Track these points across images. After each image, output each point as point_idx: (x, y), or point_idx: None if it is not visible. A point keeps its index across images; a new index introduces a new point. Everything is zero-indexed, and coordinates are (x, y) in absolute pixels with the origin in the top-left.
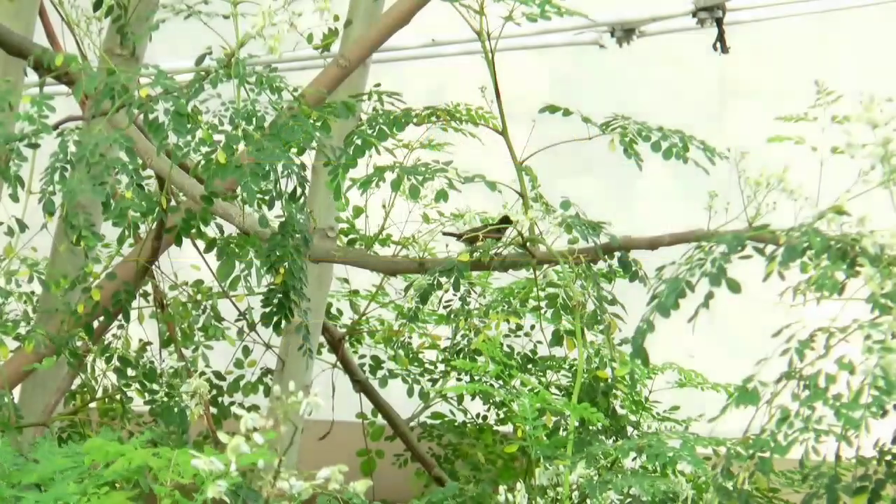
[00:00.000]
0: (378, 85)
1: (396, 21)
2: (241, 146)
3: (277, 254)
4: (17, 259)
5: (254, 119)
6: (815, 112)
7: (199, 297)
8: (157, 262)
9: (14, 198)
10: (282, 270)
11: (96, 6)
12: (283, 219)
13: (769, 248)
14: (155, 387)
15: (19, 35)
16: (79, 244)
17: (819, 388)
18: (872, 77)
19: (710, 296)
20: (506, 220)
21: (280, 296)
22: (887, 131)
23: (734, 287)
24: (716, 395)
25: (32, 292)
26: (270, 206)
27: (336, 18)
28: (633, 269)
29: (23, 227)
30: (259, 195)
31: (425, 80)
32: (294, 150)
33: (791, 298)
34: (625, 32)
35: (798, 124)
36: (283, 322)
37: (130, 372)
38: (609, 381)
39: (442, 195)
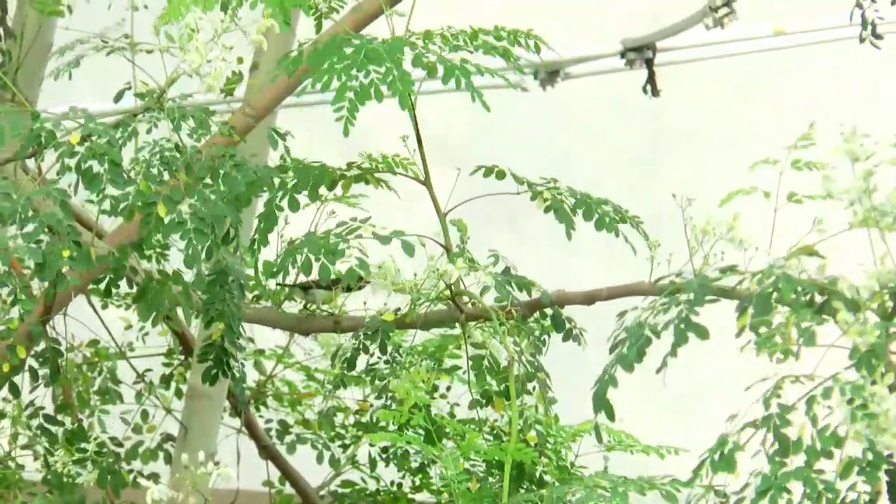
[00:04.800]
0: (287, 133)
1: (304, 72)
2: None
3: (217, 308)
4: None
5: (194, 168)
6: (774, 155)
7: (95, 358)
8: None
9: None
10: (221, 325)
11: None
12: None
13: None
14: (46, 453)
15: None
16: (14, 306)
17: (788, 443)
18: (811, 119)
19: (678, 343)
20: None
21: (217, 350)
22: (867, 165)
23: (702, 334)
24: (646, 457)
25: None
26: (209, 257)
27: (240, 61)
28: (567, 326)
29: None
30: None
31: (335, 127)
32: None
33: (752, 351)
34: (548, 74)
35: (745, 170)
36: (220, 377)
37: (23, 440)
38: (536, 445)
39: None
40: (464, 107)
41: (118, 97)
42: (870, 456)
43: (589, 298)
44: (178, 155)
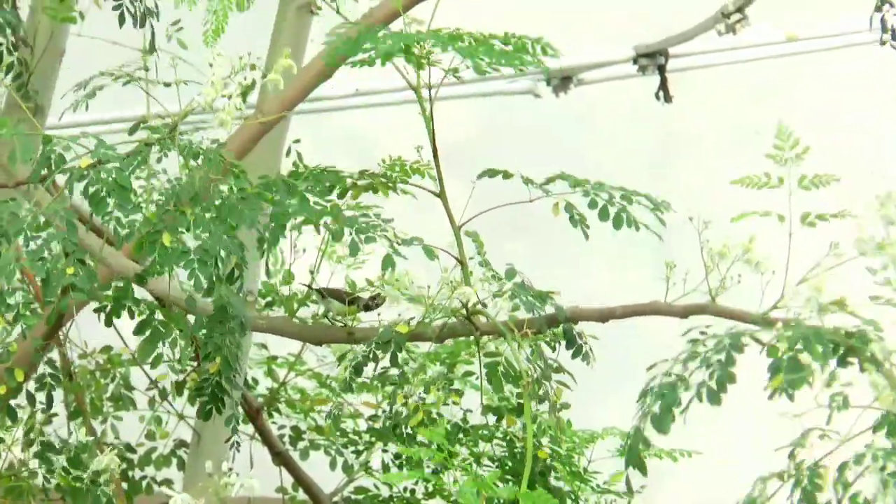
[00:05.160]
0: (298, 140)
1: (319, 74)
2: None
3: (216, 343)
4: None
5: (199, 200)
6: (779, 172)
7: (108, 365)
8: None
9: None
10: (218, 360)
11: None
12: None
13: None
14: (59, 460)
15: None
16: (16, 322)
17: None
18: (824, 126)
19: (700, 397)
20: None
21: (213, 385)
22: None
23: (731, 378)
24: (659, 461)
25: None
26: (209, 293)
27: (253, 67)
28: (578, 343)
29: None
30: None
31: (350, 131)
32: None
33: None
34: (561, 81)
35: (756, 178)
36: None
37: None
38: (547, 460)
39: (389, 262)
40: (475, 113)
41: (133, 130)
42: None
43: (603, 316)
44: (185, 186)
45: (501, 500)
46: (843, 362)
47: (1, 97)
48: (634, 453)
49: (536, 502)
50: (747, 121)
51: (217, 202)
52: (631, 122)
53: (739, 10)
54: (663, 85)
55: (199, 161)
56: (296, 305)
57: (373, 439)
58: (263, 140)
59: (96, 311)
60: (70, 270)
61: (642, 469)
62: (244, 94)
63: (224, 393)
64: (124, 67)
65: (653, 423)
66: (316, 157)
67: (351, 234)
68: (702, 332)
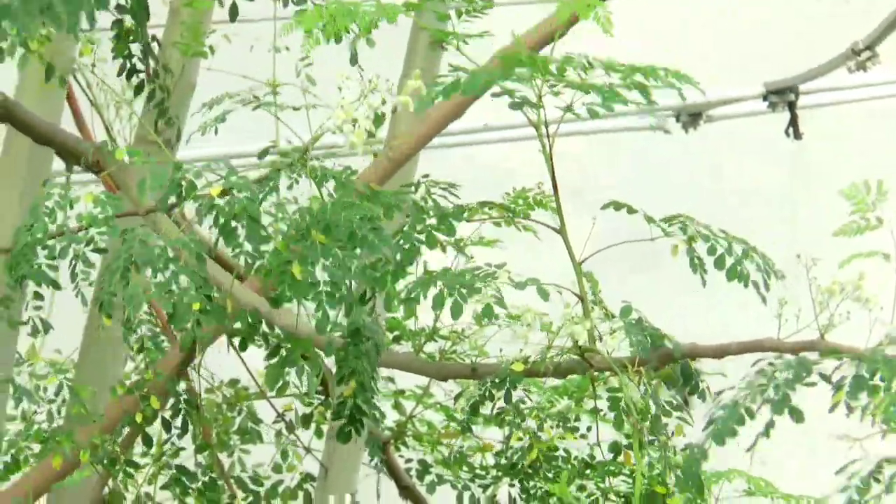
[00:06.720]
0: (427, 175)
1: (449, 113)
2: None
3: (350, 366)
4: (42, 362)
5: (332, 230)
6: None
7: (235, 398)
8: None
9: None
10: (352, 384)
11: (137, 90)
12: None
13: (836, 375)
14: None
15: (47, 122)
16: (140, 353)
17: None
18: None
19: (770, 424)
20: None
21: (351, 408)
22: None
23: (798, 416)
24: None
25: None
26: (336, 327)
27: (383, 102)
28: (694, 381)
29: (47, 327)
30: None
31: (476, 169)
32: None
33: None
34: (690, 117)
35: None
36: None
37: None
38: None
39: (488, 313)
40: (602, 150)
41: (262, 154)
42: None
43: (719, 352)
44: (315, 214)
45: None
46: None
47: (132, 129)
48: (693, 472)
49: None
50: (879, 157)
51: (347, 230)
52: (759, 160)
53: (869, 47)
54: (793, 121)
55: (331, 187)
56: (423, 340)
57: (500, 473)
58: (394, 177)
59: (229, 335)
60: (197, 306)
61: (699, 488)
62: (376, 123)
63: (363, 414)
64: (254, 91)
65: (713, 437)
66: (446, 197)
67: (452, 294)
68: (770, 364)
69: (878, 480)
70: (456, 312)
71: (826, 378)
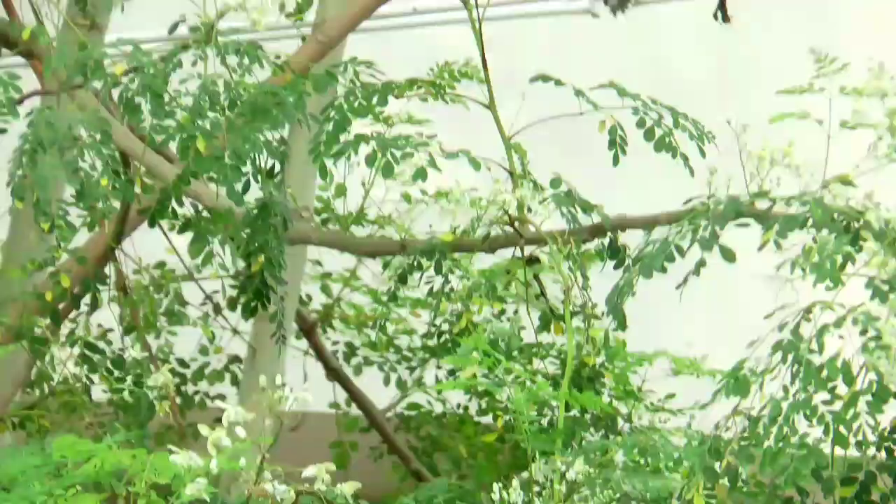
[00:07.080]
0: (354, 58)
1: None
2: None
3: (256, 242)
4: None
5: (237, 103)
6: (821, 82)
7: (162, 280)
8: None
9: None
10: (260, 259)
11: None
12: (260, 197)
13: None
14: (119, 376)
15: None
16: (51, 232)
17: (811, 368)
18: (883, 47)
19: (701, 263)
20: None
21: (257, 282)
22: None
23: (728, 255)
24: (714, 382)
25: None
26: (245, 191)
27: None
28: (621, 254)
29: None
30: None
31: (405, 51)
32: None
33: (789, 272)
34: (619, 0)
35: (804, 97)
36: (259, 309)
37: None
38: (595, 366)
39: (420, 174)
40: (529, 36)
41: (172, 29)
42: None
43: (649, 223)
44: (221, 90)
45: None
46: (847, 230)
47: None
48: (615, 305)
49: (581, 402)
50: (805, 40)
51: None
52: (686, 43)
53: None
54: (722, 5)
55: (239, 61)
56: (350, 221)
57: (427, 356)
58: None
59: (140, 212)
60: (104, 182)
61: (621, 321)
62: (304, 5)
63: (268, 289)
64: None
65: (641, 271)
66: (374, 76)
67: (385, 155)
68: (702, 203)
69: (808, 320)
70: (387, 171)
71: (758, 218)
